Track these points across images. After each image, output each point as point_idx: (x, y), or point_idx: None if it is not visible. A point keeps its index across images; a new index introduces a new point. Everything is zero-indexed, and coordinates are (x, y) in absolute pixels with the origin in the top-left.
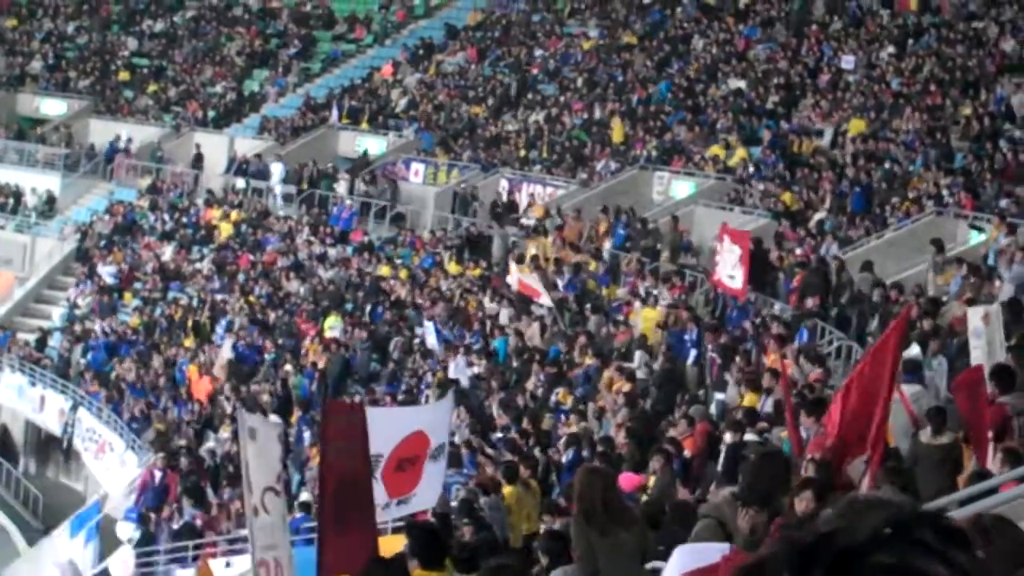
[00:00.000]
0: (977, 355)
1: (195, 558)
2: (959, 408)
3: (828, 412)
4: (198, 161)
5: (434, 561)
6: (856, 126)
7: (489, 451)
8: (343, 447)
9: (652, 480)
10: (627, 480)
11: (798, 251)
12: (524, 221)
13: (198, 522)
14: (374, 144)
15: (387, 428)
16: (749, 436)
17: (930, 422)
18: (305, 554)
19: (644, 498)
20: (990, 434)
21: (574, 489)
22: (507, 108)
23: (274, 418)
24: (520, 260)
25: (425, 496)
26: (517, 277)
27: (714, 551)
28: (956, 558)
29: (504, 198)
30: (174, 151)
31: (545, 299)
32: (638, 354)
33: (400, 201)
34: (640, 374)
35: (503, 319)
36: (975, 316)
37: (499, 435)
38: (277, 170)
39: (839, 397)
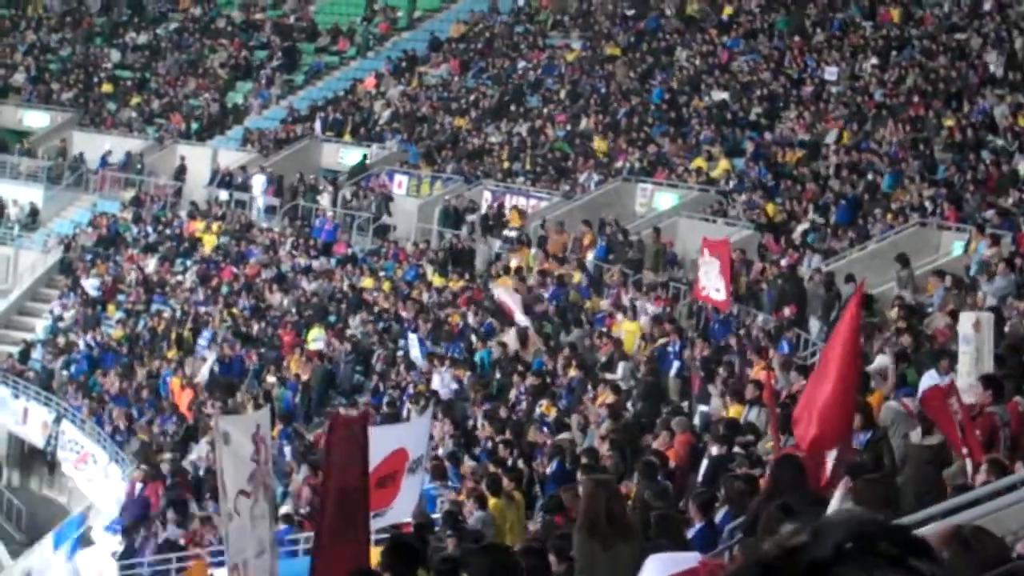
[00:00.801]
0: (964, 361)
1: (179, 571)
2: (935, 421)
3: (798, 407)
4: (181, 173)
5: (406, 573)
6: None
7: (472, 464)
8: (345, 460)
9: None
10: None
11: (783, 263)
12: (507, 233)
13: (181, 541)
14: (357, 156)
15: (371, 447)
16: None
17: (920, 423)
18: (289, 566)
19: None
20: (961, 447)
21: (580, 501)
22: (495, 119)
23: (261, 412)
24: (506, 272)
25: (401, 508)
26: (499, 291)
27: (690, 559)
28: (920, 569)
29: (495, 210)
30: (157, 163)
31: (519, 317)
32: (622, 365)
33: (390, 213)
34: (624, 385)
35: (507, 339)
36: (966, 322)
37: (483, 447)
38: (259, 182)
39: (807, 390)
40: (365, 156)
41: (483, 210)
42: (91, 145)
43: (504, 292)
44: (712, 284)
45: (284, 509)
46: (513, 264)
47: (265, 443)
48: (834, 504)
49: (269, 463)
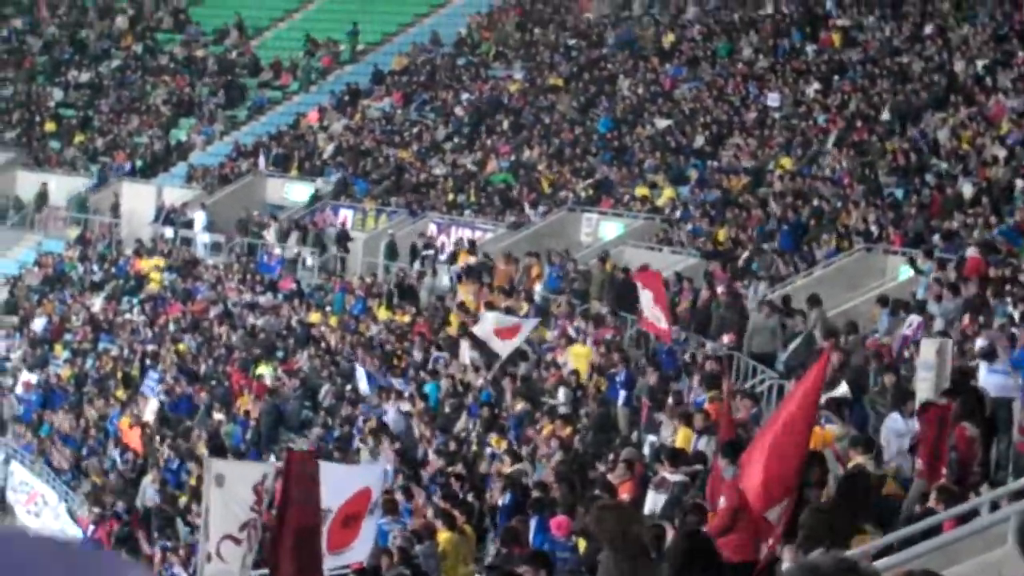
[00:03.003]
0: (924, 387)
1: None
2: (922, 438)
3: (748, 453)
4: (116, 210)
5: None
6: (783, 163)
7: (421, 500)
8: (302, 497)
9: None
10: (559, 524)
11: (719, 289)
12: (459, 265)
13: None
14: (302, 191)
15: (338, 483)
16: (677, 477)
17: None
18: None
19: (581, 542)
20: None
21: (594, 528)
22: (458, 149)
23: (271, 464)
24: (459, 308)
25: (359, 549)
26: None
27: None
28: None
29: (443, 244)
30: (101, 202)
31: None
32: (562, 391)
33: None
34: (563, 410)
35: (466, 360)
36: (929, 349)
37: (433, 481)
38: (200, 219)
39: (761, 441)
40: (313, 194)
41: (438, 244)
42: (35, 184)
43: (500, 321)
44: (653, 314)
45: None
46: (466, 298)
47: (269, 494)
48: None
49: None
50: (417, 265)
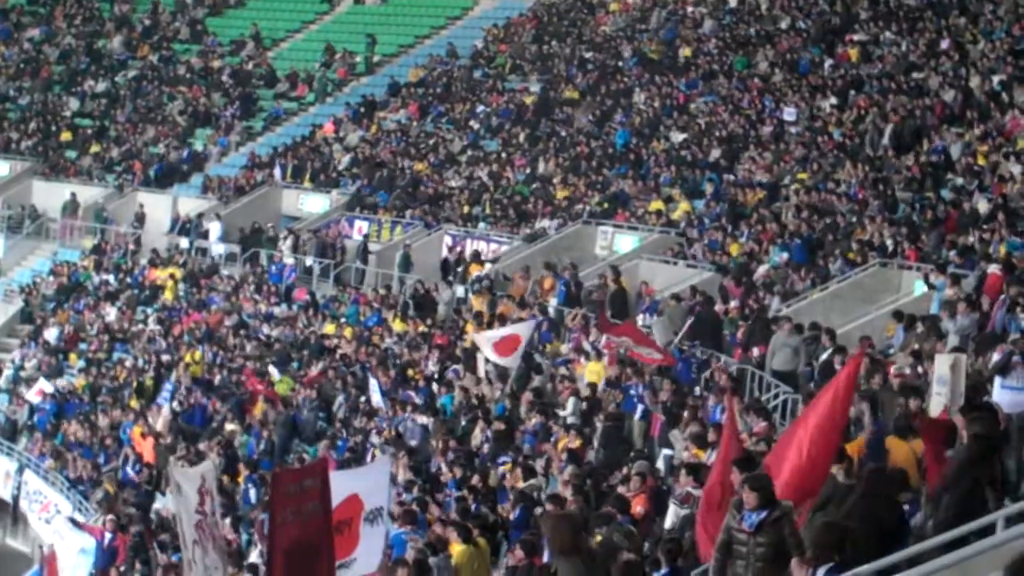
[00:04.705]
0: (939, 402)
1: None
2: (927, 453)
3: (770, 458)
4: (141, 220)
5: None
6: (801, 177)
7: (438, 513)
8: (296, 512)
9: (598, 536)
10: None
11: (732, 304)
12: (474, 275)
13: None
14: (317, 202)
15: None
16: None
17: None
18: None
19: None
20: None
21: (549, 537)
22: (474, 161)
23: (206, 465)
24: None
25: (366, 560)
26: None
27: None
28: None
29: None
30: (117, 211)
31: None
32: (571, 401)
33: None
34: (571, 420)
35: (482, 372)
36: (943, 364)
37: (448, 494)
38: (215, 229)
39: (784, 447)
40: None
41: (445, 254)
42: (51, 194)
43: (505, 331)
44: (643, 352)
45: (252, 557)
46: (477, 309)
47: (211, 495)
48: None
49: (217, 515)
50: (450, 279)
